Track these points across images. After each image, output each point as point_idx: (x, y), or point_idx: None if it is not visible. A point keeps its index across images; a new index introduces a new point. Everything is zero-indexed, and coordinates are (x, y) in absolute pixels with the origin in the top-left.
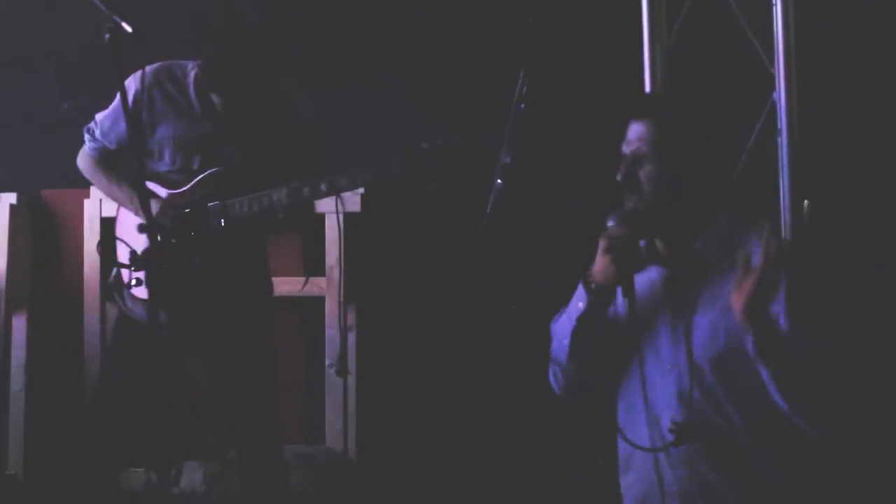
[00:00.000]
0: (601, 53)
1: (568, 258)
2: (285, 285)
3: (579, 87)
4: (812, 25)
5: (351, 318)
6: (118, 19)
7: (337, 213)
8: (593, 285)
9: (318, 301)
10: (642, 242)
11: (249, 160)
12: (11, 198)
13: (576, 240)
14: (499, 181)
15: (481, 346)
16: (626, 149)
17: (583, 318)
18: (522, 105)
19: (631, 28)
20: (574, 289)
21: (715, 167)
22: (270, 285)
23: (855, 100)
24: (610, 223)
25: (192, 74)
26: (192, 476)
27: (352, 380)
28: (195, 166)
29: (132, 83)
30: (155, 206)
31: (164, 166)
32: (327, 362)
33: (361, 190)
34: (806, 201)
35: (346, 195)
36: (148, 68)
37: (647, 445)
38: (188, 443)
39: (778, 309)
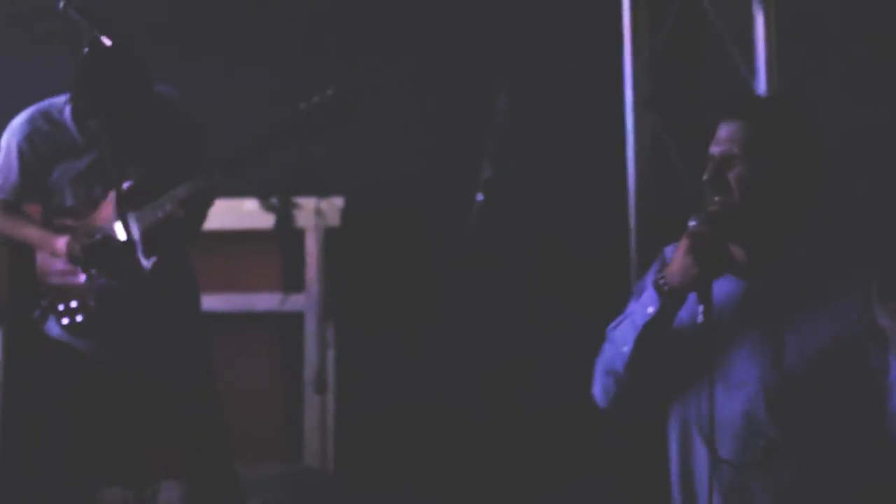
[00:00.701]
0: (582, 67)
1: (549, 272)
2: (264, 301)
3: (560, 100)
4: (794, 38)
5: (330, 334)
6: (97, 33)
7: (316, 228)
8: (667, 287)
9: (298, 317)
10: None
11: (146, 173)
12: None
13: (556, 253)
14: (479, 195)
15: (462, 362)
16: (716, 149)
17: (651, 324)
18: (504, 120)
19: (613, 42)
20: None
21: (808, 177)
22: (197, 302)
23: (838, 112)
24: (692, 223)
25: (66, 109)
26: (170, 495)
27: (331, 396)
28: (97, 195)
29: (11, 135)
30: (62, 242)
31: (68, 201)
32: (306, 378)
33: (341, 204)
34: None
35: (326, 210)
36: (21, 118)
37: (704, 465)
38: (165, 462)
39: None
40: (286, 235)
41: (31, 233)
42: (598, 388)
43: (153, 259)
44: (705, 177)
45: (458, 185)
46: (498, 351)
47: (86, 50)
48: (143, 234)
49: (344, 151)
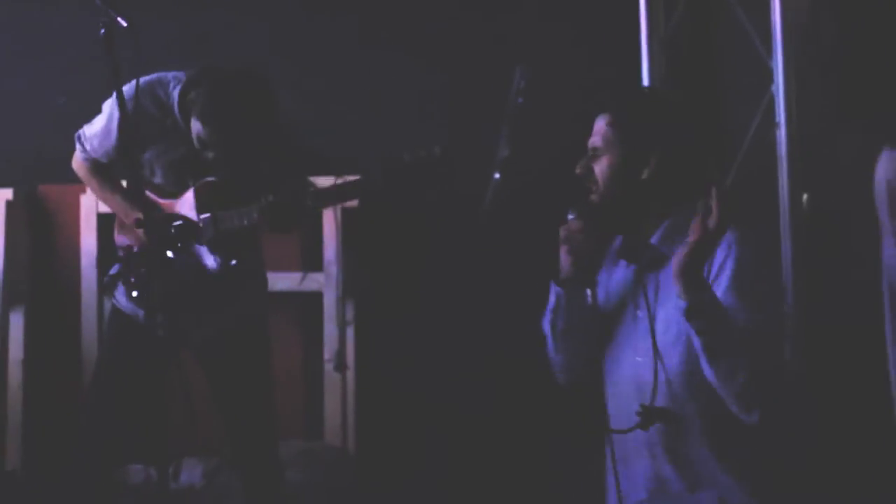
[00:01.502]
0: (598, 46)
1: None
2: (283, 281)
3: (576, 81)
4: (811, 16)
5: (349, 314)
6: (114, 13)
7: (335, 207)
8: (559, 279)
9: (317, 296)
10: (619, 239)
11: (240, 172)
12: (8, 193)
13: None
14: (496, 175)
15: (481, 340)
16: (588, 142)
17: (553, 310)
18: (520, 99)
19: (628, 20)
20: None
21: (670, 163)
22: (265, 282)
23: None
24: (570, 216)
25: (175, 92)
26: (192, 472)
27: (350, 375)
28: (189, 182)
29: (115, 103)
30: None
31: (157, 180)
32: (326, 358)
33: None
34: (805, 195)
35: None
36: (127, 90)
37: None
38: (187, 439)
39: (716, 278)
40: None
41: (117, 201)
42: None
43: (221, 261)
44: (577, 170)
45: (474, 164)
46: (518, 328)
47: (102, 31)
48: (219, 236)
49: (362, 130)
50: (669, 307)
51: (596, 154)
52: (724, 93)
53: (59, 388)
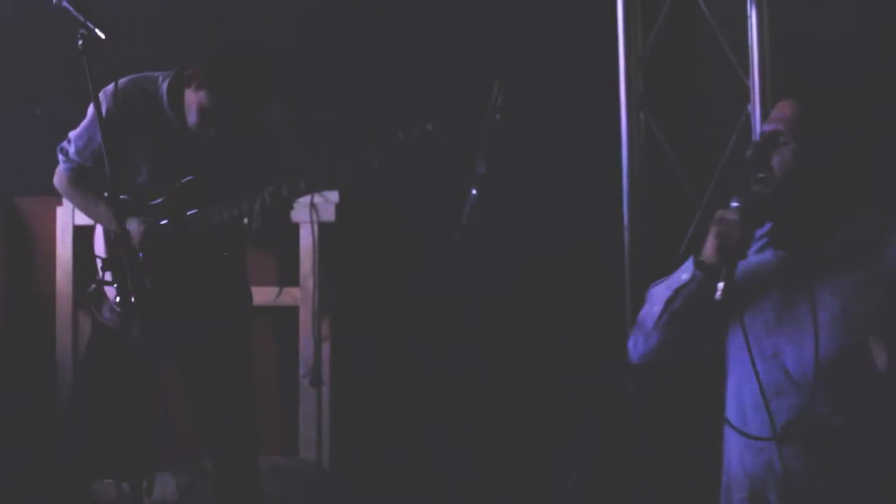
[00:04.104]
0: (576, 63)
1: (543, 268)
2: (259, 295)
3: (554, 97)
4: (788, 37)
5: (325, 328)
6: (92, 25)
7: (311, 222)
8: (700, 261)
9: (293, 311)
10: (765, 228)
11: (225, 170)
12: None
13: (550, 249)
14: (474, 191)
15: (458, 356)
16: (766, 127)
17: (681, 289)
18: (497, 115)
19: (606, 38)
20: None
21: (855, 162)
22: (249, 298)
23: None
24: (733, 203)
25: (164, 85)
26: (165, 487)
27: (326, 390)
28: (173, 178)
29: (103, 99)
30: (134, 225)
31: (141, 179)
32: (301, 372)
33: (336, 199)
34: None
35: (320, 203)
36: (119, 84)
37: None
38: (160, 453)
39: None
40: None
41: (98, 208)
42: (630, 341)
43: (215, 255)
44: (749, 153)
45: (452, 181)
46: (493, 345)
47: (80, 43)
48: (213, 231)
49: (339, 146)
50: (833, 313)
51: (776, 141)
52: (701, 111)
53: (34, 400)
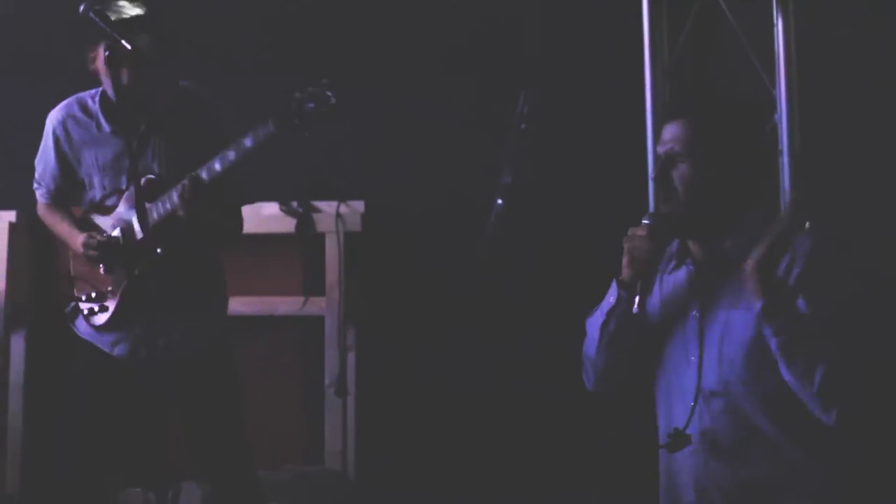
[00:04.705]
0: (602, 73)
1: (569, 276)
2: (285, 305)
3: (580, 106)
4: (814, 46)
5: (350, 338)
6: (118, 36)
7: (337, 232)
8: (620, 279)
9: (318, 321)
10: (675, 244)
11: (169, 168)
12: (11, 216)
13: (576, 257)
14: (499, 200)
15: (482, 365)
16: (661, 149)
17: (611, 312)
18: (523, 125)
19: (632, 48)
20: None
21: (749, 169)
22: (223, 304)
23: (857, 121)
24: (645, 220)
25: (97, 98)
26: (191, 496)
27: (351, 400)
28: (123, 186)
29: (49, 122)
30: (81, 238)
31: (97, 193)
32: (326, 382)
33: (361, 209)
34: (808, 223)
35: (346, 214)
36: (58, 106)
37: (683, 422)
38: (186, 463)
39: (786, 276)
40: (307, 239)
41: (63, 229)
42: (583, 374)
43: (176, 259)
44: (651, 175)
45: (477, 190)
46: (518, 354)
47: (106, 54)
48: (154, 227)
49: (364, 155)
50: (734, 312)
51: (674, 160)
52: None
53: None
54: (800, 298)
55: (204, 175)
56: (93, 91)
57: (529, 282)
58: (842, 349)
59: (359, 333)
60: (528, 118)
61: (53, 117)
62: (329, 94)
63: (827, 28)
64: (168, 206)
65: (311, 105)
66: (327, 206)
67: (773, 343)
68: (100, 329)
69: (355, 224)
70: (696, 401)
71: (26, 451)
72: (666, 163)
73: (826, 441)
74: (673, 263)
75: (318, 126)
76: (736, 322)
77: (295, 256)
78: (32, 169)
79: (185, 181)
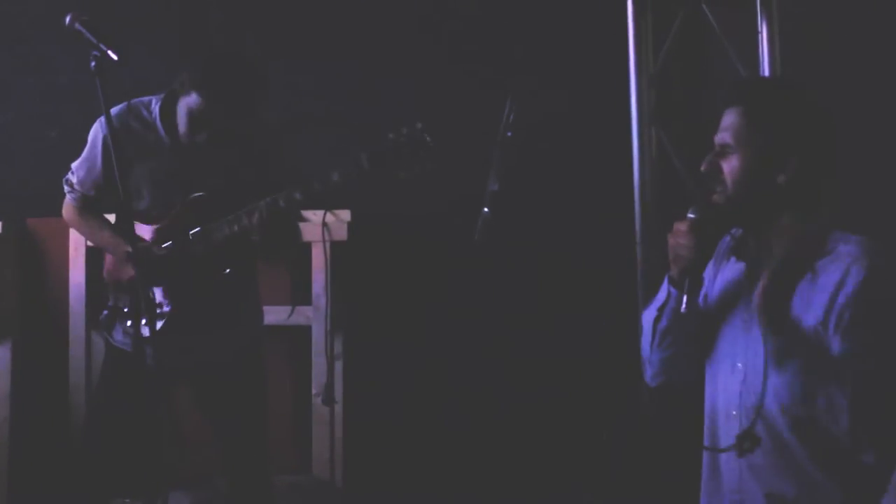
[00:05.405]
0: (587, 81)
1: (557, 283)
2: (272, 314)
3: (566, 113)
4: (799, 54)
5: (338, 347)
6: (104, 47)
7: (324, 241)
8: (669, 275)
9: (305, 330)
10: (727, 238)
11: (226, 183)
12: None
13: (563, 264)
14: (486, 209)
15: (470, 374)
16: (716, 138)
17: (662, 308)
18: (510, 132)
19: (617, 56)
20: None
21: (809, 164)
22: (261, 314)
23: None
24: (690, 215)
25: (156, 109)
26: None
27: (338, 408)
28: (175, 199)
29: (99, 128)
30: (126, 247)
31: (144, 204)
32: (314, 391)
33: (348, 218)
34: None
35: (332, 223)
36: (112, 111)
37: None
38: (175, 471)
39: (835, 316)
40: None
41: (104, 237)
42: (644, 370)
43: (223, 273)
44: (702, 167)
45: (463, 199)
46: (506, 362)
47: (93, 65)
48: (217, 247)
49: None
50: (788, 319)
51: (725, 151)
52: (712, 127)
53: (47, 422)
54: (836, 337)
55: (282, 203)
56: (152, 99)
57: (517, 287)
58: (876, 388)
59: (346, 342)
60: (515, 126)
61: (107, 124)
62: (426, 136)
63: (811, 35)
64: (236, 227)
65: (408, 147)
66: (314, 215)
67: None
68: (136, 337)
69: (341, 233)
70: (755, 418)
71: (13, 460)
72: (717, 154)
73: (851, 468)
74: (732, 259)
75: (416, 168)
76: (795, 324)
77: (281, 266)
78: (15, 179)
79: (263, 206)
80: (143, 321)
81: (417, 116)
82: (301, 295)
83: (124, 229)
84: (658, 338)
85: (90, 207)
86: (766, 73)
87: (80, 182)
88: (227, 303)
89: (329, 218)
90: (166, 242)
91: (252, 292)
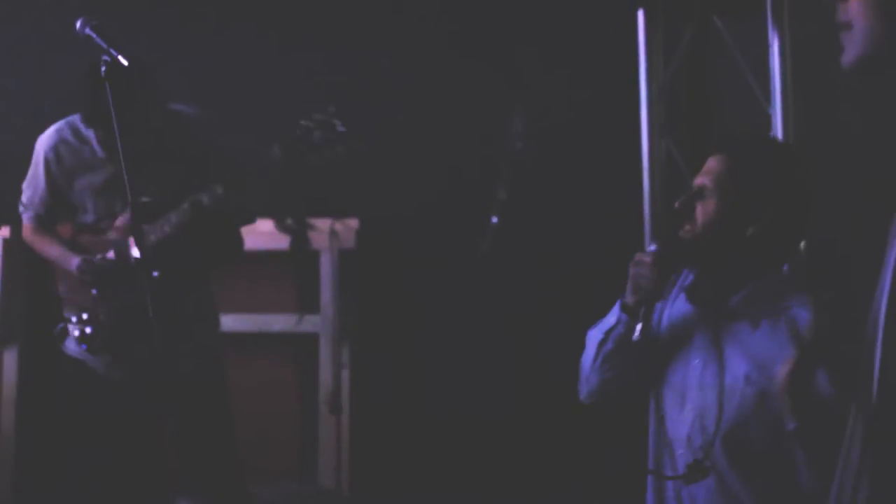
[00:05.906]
0: (598, 92)
1: (566, 293)
2: (279, 322)
3: (575, 124)
4: (810, 65)
5: (345, 355)
6: (115, 52)
7: (331, 249)
8: (623, 301)
9: (312, 338)
10: (685, 274)
11: (164, 190)
12: (4, 231)
13: (573, 274)
14: (494, 218)
15: (476, 383)
16: (696, 180)
17: (610, 331)
18: (519, 144)
19: (628, 66)
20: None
21: (780, 222)
22: (216, 322)
23: (854, 140)
24: (651, 248)
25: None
26: None
27: (345, 417)
28: (118, 209)
29: (40, 146)
30: (76, 261)
31: (90, 217)
32: (321, 399)
33: (356, 226)
34: (803, 242)
35: (341, 231)
36: (49, 130)
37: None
38: (177, 479)
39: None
40: (301, 256)
41: (54, 250)
42: (579, 383)
43: (157, 272)
44: (676, 204)
45: (472, 208)
46: (513, 371)
47: (103, 69)
48: (152, 249)
49: (359, 173)
50: (744, 370)
51: (703, 193)
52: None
53: (53, 428)
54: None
55: (206, 200)
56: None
57: (525, 297)
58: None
59: (353, 351)
60: (524, 137)
61: (44, 142)
62: (336, 121)
63: (823, 47)
64: (166, 228)
65: (319, 132)
66: (322, 223)
67: (799, 455)
68: (93, 351)
69: (350, 241)
70: (708, 447)
71: (19, 466)
72: (695, 194)
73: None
74: (683, 295)
75: (326, 154)
76: (733, 372)
77: (289, 273)
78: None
79: (186, 205)
80: (89, 333)
81: (426, 123)
82: (309, 303)
83: (73, 241)
84: (601, 359)
85: (46, 225)
86: (778, 85)
87: (29, 200)
88: (173, 312)
89: (337, 226)
90: (106, 253)
91: (203, 300)
